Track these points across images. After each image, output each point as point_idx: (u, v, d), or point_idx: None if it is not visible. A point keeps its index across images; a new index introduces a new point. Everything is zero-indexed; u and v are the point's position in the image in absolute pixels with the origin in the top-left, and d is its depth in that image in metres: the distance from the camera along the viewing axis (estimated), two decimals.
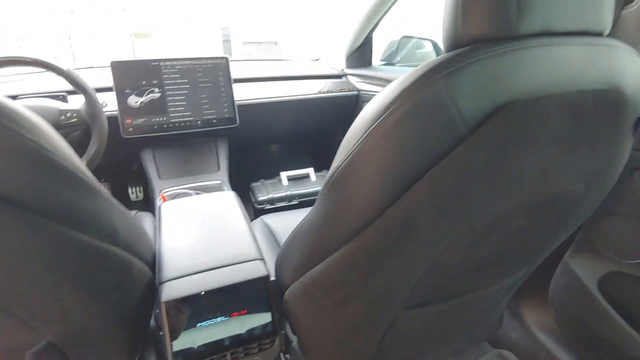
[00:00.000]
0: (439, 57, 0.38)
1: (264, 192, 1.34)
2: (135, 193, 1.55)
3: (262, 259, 0.71)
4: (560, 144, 0.41)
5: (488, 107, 0.37)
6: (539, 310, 0.93)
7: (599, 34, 0.44)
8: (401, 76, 0.39)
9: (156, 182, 1.21)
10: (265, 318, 0.65)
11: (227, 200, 0.90)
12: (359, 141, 0.40)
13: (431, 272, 0.49)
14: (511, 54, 0.37)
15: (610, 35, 0.63)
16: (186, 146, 1.31)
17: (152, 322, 0.77)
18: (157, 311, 0.64)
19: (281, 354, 0.84)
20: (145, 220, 1.10)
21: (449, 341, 0.79)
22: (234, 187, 1.48)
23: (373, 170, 0.40)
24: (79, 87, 0.94)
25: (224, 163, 1.32)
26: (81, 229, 0.46)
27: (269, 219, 1.12)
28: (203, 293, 0.62)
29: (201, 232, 0.77)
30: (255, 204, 1.32)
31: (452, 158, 0.37)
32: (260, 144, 1.75)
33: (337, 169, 0.43)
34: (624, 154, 0.49)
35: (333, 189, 0.45)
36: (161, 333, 0.63)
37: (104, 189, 0.53)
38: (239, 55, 7.74)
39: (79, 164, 0.46)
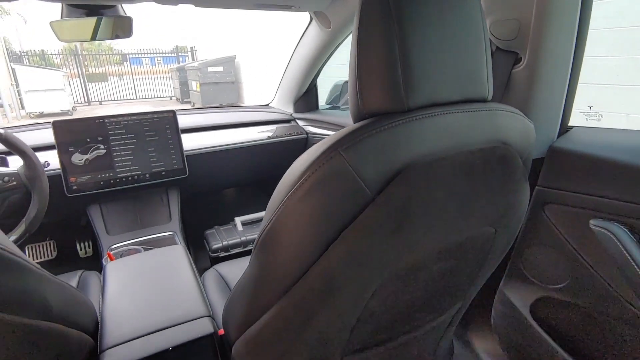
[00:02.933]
0: (341, 131, 0.43)
1: (218, 240, 1.34)
2: (83, 249, 1.50)
3: (209, 316, 0.71)
4: (458, 198, 0.46)
5: (388, 172, 0.42)
6: (486, 338, 0.97)
7: (482, 100, 0.51)
8: (312, 148, 0.44)
9: (104, 239, 1.18)
10: None
11: (175, 256, 0.90)
12: (278, 208, 0.43)
13: (363, 321, 0.52)
14: (403, 125, 0.43)
15: (505, 91, 0.73)
16: (136, 198, 1.29)
17: None
18: None
19: None
20: (92, 280, 1.06)
21: None
22: (188, 235, 1.47)
23: (292, 234, 0.43)
24: (17, 150, 0.92)
25: (175, 212, 1.31)
26: (7, 309, 0.45)
27: (223, 267, 1.12)
28: (145, 358, 0.61)
29: (146, 292, 0.76)
30: (210, 253, 1.31)
31: (361, 219, 0.42)
32: (213, 190, 1.76)
33: (263, 232, 0.46)
34: (523, 197, 0.56)
35: (261, 250, 0.48)
36: None
37: (31, 262, 0.52)
38: (195, 96, 7.75)
39: (2, 238, 0.46)
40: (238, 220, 1.43)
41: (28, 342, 0.50)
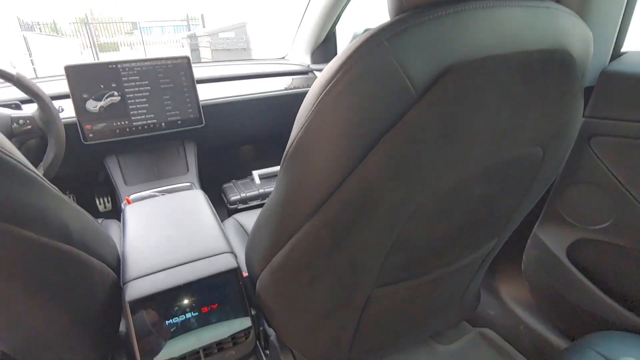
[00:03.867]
0: (382, 23, 0.38)
1: (236, 192, 1.31)
2: (103, 204, 1.50)
3: (231, 252, 0.69)
4: (511, 104, 0.41)
5: (435, 69, 0.37)
6: (515, 285, 0.94)
7: None
8: (347, 44, 0.39)
9: (122, 189, 1.17)
10: (237, 311, 0.63)
11: (195, 198, 0.88)
12: (311, 111, 0.39)
13: (397, 248, 0.49)
14: (453, 16, 0.37)
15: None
16: (152, 150, 1.27)
17: (123, 327, 0.73)
18: (124, 311, 0.61)
19: (261, 351, 0.82)
20: (112, 227, 1.06)
21: (427, 322, 0.79)
22: (205, 189, 1.45)
23: (327, 140, 0.39)
24: (30, 92, 0.90)
25: (192, 164, 1.29)
26: (27, 226, 0.43)
27: (241, 217, 1.10)
28: (169, 290, 0.59)
29: (167, 230, 0.74)
30: (228, 205, 1.30)
31: (404, 122, 0.37)
32: (229, 146, 1.72)
33: (293, 142, 0.42)
34: (577, 117, 0.50)
35: (291, 164, 0.44)
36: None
37: (51, 185, 0.50)
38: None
39: (21, 157, 0.44)
40: (255, 173, 1.40)
41: (50, 263, 0.48)
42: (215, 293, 0.62)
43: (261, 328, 0.77)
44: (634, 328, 0.70)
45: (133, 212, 0.81)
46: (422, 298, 0.67)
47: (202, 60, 7.89)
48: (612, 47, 0.68)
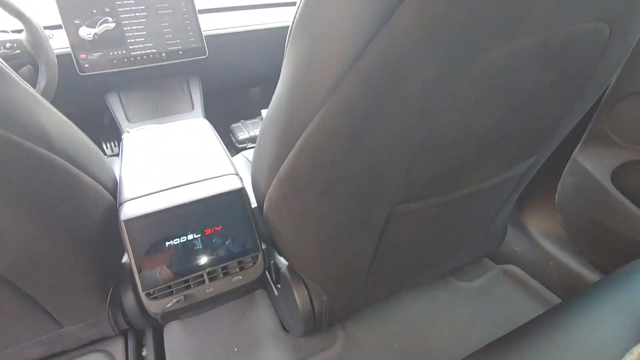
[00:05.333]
0: None
1: (244, 131, 1.25)
2: (110, 148, 1.46)
3: (237, 174, 0.63)
4: None
5: None
6: (545, 218, 0.87)
7: None
8: None
9: (125, 125, 1.11)
10: (243, 233, 0.58)
11: (199, 125, 0.81)
12: None
13: (425, 153, 0.41)
14: None
15: None
16: (155, 87, 1.20)
17: (126, 258, 0.70)
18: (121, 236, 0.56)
19: (272, 284, 0.78)
20: (116, 164, 1.01)
21: (448, 252, 0.73)
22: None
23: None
24: (13, 12, 0.82)
25: (198, 101, 1.22)
26: None
27: (250, 154, 1.04)
28: (168, 209, 0.54)
29: (168, 154, 0.68)
30: (237, 144, 1.23)
31: None
32: (236, 88, 1.63)
33: (300, 4, 0.34)
34: None
35: (297, 36, 0.36)
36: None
37: (28, 85, 0.44)
38: None
39: None
40: (264, 112, 1.32)
41: (25, 167, 0.42)
42: (219, 215, 0.57)
43: (272, 261, 0.73)
44: None
45: (132, 139, 0.75)
46: (447, 222, 0.60)
47: None
48: None
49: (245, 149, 1.22)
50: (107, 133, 1.45)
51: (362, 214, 0.48)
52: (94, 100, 1.19)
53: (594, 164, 0.71)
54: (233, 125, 1.31)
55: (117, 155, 1.45)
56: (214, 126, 1.19)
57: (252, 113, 1.38)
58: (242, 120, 1.33)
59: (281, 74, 0.41)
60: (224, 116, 1.42)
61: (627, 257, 0.67)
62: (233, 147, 1.28)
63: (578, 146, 0.74)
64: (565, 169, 0.77)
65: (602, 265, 0.78)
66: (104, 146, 1.45)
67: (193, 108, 1.19)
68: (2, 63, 0.40)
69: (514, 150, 0.53)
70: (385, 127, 0.37)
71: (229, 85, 1.53)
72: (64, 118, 0.53)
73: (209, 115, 1.30)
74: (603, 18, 0.38)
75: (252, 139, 1.23)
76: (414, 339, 0.76)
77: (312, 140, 0.39)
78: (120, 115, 1.12)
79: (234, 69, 1.36)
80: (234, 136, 1.26)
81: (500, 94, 0.39)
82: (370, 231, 0.52)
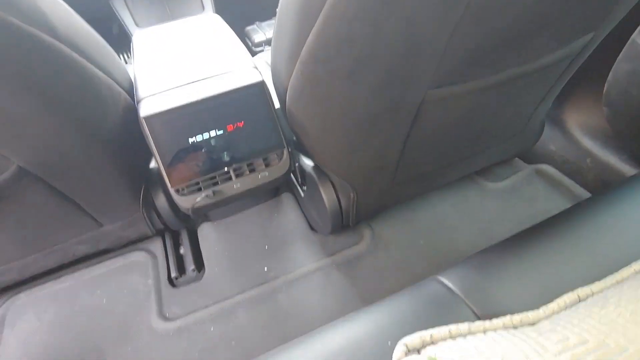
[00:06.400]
0: None
1: (260, 34, 1.16)
2: (123, 59, 1.41)
3: (255, 67, 0.58)
4: None
5: None
6: (587, 114, 0.80)
7: None
8: None
9: (133, 30, 1.05)
10: (267, 129, 0.56)
11: (212, 20, 0.75)
12: None
13: (469, 21, 0.35)
14: None
15: None
16: None
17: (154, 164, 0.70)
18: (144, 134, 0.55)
19: (299, 187, 0.78)
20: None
21: (482, 146, 0.70)
22: None
23: None
24: None
25: (208, 2, 1.12)
26: None
27: (268, 56, 0.97)
28: (187, 105, 0.52)
29: (184, 49, 0.64)
30: (253, 47, 1.16)
31: None
32: None
33: None
34: None
35: None
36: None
37: None
38: None
39: None
40: None
41: (36, 57, 0.39)
42: (241, 110, 0.54)
43: (297, 164, 0.72)
44: None
45: (143, 37, 0.70)
46: (484, 111, 0.55)
47: None
48: None
49: (262, 52, 1.15)
50: (118, 44, 1.39)
51: (392, 98, 0.44)
52: (100, 7, 1.11)
53: None
54: (248, 28, 1.22)
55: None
56: None
57: (267, 14, 1.27)
58: (257, 22, 1.24)
59: None
60: (237, 18, 1.32)
61: None
62: (249, 50, 1.20)
63: (639, 27, 0.65)
64: (621, 54, 0.68)
65: None
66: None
67: (203, 9, 1.10)
68: None
69: (570, 23, 0.46)
70: None
71: None
72: (70, 9, 0.49)
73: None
74: None
75: (269, 42, 1.15)
76: (440, 235, 0.76)
77: (337, 8, 0.34)
78: (128, 20, 1.05)
79: None
80: (249, 39, 1.18)
81: None
82: (400, 119, 0.48)
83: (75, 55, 0.45)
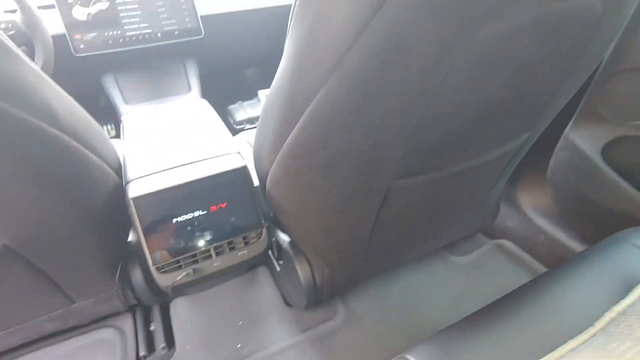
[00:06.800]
0: None
1: (242, 113, 1.25)
2: (107, 130, 1.45)
3: (238, 153, 0.64)
4: None
5: None
6: (537, 193, 0.90)
7: None
8: None
9: (122, 107, 1.11)
10: (247, 209, 0.60)
11: (200, 105, 0.82)
12: None
13: (423, 128, 0.43)
14: None
15: None
16: (151, 69, 1.19)
17: (133, 237, 0.72)
18: (129, 213, 0.58)
19: (274, 261, 0.81)
20: (115, 144, 1.02)
21: (445, 226, 0.76)
22: None
23: None
24: None
25: (195, 83, 1.21)
26: (6, 98, 0.38)
27: (249, 135, 1.05)
28: (175, 187, 0.56)
29: (171, 133, 0.69)
30: (235, 125, 1.24)
31: None
32: (234, 68, 1.62)
33: None
34: None
35: (301, 13, 0.37)
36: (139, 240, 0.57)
37: (33, 63, 0.44)
38: None
39: None
40: (262, 93, 1.32)
41: (37, 145, 0.43)
42: (224, 192, 0.59)
43: (273, 239, 0.75)
44: None
45: (133, 120, 0.76)
46: (443, 197, 0.62)
47: None
48: None
49: (243, 130, 1.23)
50: (104, 116, 1.44)
51: (362, 188, 0.50)
52: (90, 83, 1.18)
53: (585, 140, 0.74)
54: (230, 107, 1.31)
55: (116, 137, 1.45)
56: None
57: (249, 94, 1.38)
58: (239, 102, 1.33)
59: (284, 51, 0.42)
60: (221, 97, 1.42)
61: (615, 229, 0.71)
62: (231, 128, 1.28)
63: (570, 123, 0.77)
64: (558, 145, 0.79)
65: (591, 237, 0.81)
66: (102, 128, 1.45)
67: (190, 89, 1.19)
68: (10, 42, 0.41)
69: (509, 126, 0.55)
70: (387, 101, 0.38)
71: (226, 65, 1.52)
72: (69, 97, 0.54)
73: (205, 96, 1.29)
74: None
75: (250, 120, 1.23)
76: (411, 310, 0.79)
77: (316, 115, 0.41)
78: (117, 97, 1.11)
79: (230, 49, 1.36)
80: (231, 117, 1.26)
81: (496, 68, 0.41)
82: (370, 205, 0.54)
83: (73, 143, 0.49)
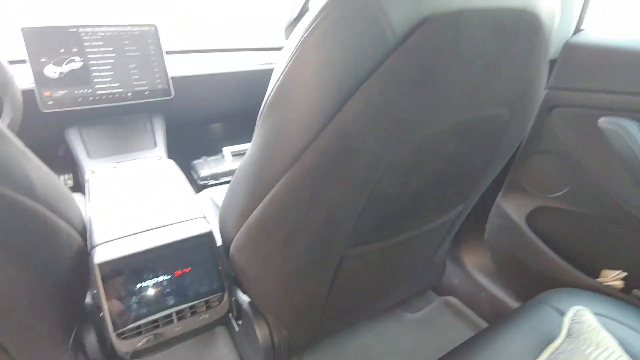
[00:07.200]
0: None
1: (206, 168, 1.29)
2: (63, 180, 1.42)
3: (204, 218, 0.68)
4: (484, 58, 0.43)
5: (415, 17, 0.38)
6: (478, 254, 0.99)
7: None
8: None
9: (86, 162, 1.11)
10: (210, 274, 0.63)
11: (165, 166, 0.85)
12: (292, 56, 0.39)
13: (372, 205, 0.50)
14: None
15: None
16: (117, 123, 1.21)
17: (89, 299, 0.71)
18: (92, 278, 0.59)
19: (233, 321, 0.82)
20: (76, 199, 1.01)
21: (395, 287, 0.82)
22: None
23: (307, 85, 0.39)
24: None
25: (161, 139, 1.25)
26: None
27: (213, 193, 1.09)
28: (140, 253, 0.58)
29: (137, 196, 0.72)
30: (198, 181, 1.27)
31: (383, 69, 0.38)
32: (199, 123, 1.68)
33: (272, 89, 0.42)
34: (541, 80, 0.53)
35: (270, 112, 0.44)
36: (100, 309, 0.58)
37: (14, 137, 0.47)
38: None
39: None
40: (227, 150, 1.37)
41: (12, 218, 0.46)
42: (188, 257, 0.62)
43: (233, 298, 0.77)
44: (584, 284, 0.76)
45: (98, 181, 0.78)
46: (392, 261, 0.69)
47: None
48: (576, 21, 0.72)
49: (206, 186, 1.27)
50: (62, 165, 1.42)
51: (318, 257, 0.56)
52: (53, 135, 1.18)
53: (512, 208, 0.85)
54: (195, 162, 1.35)
55: (71, 188, 1.42)
56: (176, 163, 1.22)
57: (214, 149, 1.43)
58: (204, 157, 1.38)
59: (253, 139, 0.49)
60: (186, 151, 1.46)
61: (542, 287, 0.80)
62: (194, 184, 1.31)
63: (500, 193, 0.88)
64: (491, 211, 0.90)
65: (523, 294, 0.90)
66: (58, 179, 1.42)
67: (155, 145, 1.22)
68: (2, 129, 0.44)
69: (445, 201, 0.64)
70: (338, 188, 0.45)
71: (192, 120, 1.57)
72: (43, 165, 0.56)
73: (171, 151, 1.33)
74: (504, 104, 0.50)
75: (214, 176, 1.27)
76: None
77: (277, 197, 0.47)
78: (80, 151, 1.12)
79: (197, 107, 1.42)
80: (196, 172, 1.29)
81: (428, 159, 0.50)
82: (326, 271, 0.59)
83: (47, 212, 0.51)
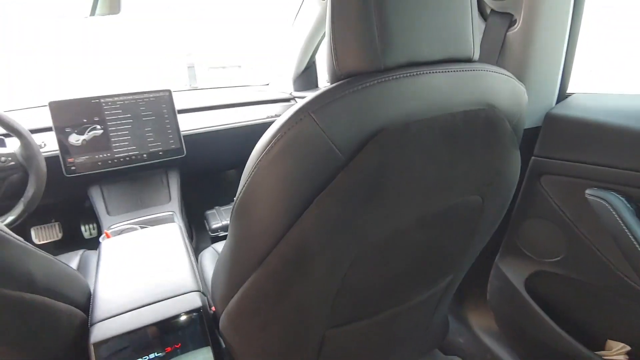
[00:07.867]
0: (313, 93, 0.41)
1: (217, 220, 1.34)
2: (88, 230, 1.52)
3: (198, 290, 0.71)
4: (436, 164, 0.44)
5: (361, 136, 0.40)
6: (482, 313, 0.96)
7: (467, 60, 0.48)
8: (284, 112, 0.43)
9: (105, 219, 1.19)
10: (201, 350, 0.65)
11: (170, 233, 0.90)
12: (251, 172, 0.42)
13: (344, 292, 0.51)
14: (377, 86, 0.41)
15: (500, 56, 0.69)
16: (135, 179, 1.30)
17: None
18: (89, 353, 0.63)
19: None
20: (92, 259, 1.08)
21: (393, 353, 0.81)
22: (189, 215, 1.48)
23: (264, 200, 0.42)
24: (12, 130, 0.93)
25: (175, 193, 1.32)
26: None
27: (220, 246, 1.13)
28: (133, 331, 0.62)
29: (139, 268, 0.77)
30: (210, 232, 1.32)
31: (334, 185, 0.40)
32: (213, 171, 1.76)
33: (238, 197, 0.46)
34: (513, 165, 0.53)
35: (236, 220, 0.47)
36: None
37: (14, 235, 0.53)
38: (204, 80, 7.73)
39: None
40: None
41: (11, 313, 0.50)
42: (179, 332, 0.65)
43: None
44: (584, 358, 0.72)
45: (107, 249, 0.84)
46: (380, 335, 0.69)
47: (197, 75, 7.95)
48: (557, 89, 0.72)
49: (217, 237, 1.31)
50: (88, 216, 1.52)
51: (297, 340, 0.57)
52: (78, 190, 1.28)
53: (511, 271, 0.83)
54: (208, 212, 1.41)
55: (96, 237, 1.52)
56: (189, 213, 1.28)
57: (227, 198, 1.48)
58: (216, 207, 1.44)
59: (229, 232, 0.52)
60: (201, 201, 1.53)
61: (545, 356, 0.77)
62: (206, 234, 1.36)
63: (498, 253, 0.86)
64: (491, 272, 0.88)
65: (528, 358, 0.87)
66: (83, 229, 1.52)
67: (170, 199, 1.29)
68: (2, 230, 0.50)
69: (428, 276, 0.64)
70: (303, 287, 0.47)
71: (206, 171, 1.65)
72: (45, 255, 0.61)
73: (186, 201, 1.40)
74: (472, 193, 0.51)
75: (225, 228, 1.32)
76: None
77: (249, 292, 0.50)
78: (100, 209, 1.21)
79: (209, 160, 1.49)
80: (208, 224, 1.35)
81: (397, 250, 0.51)
82: (309, 351, 0.60)
83: (44, 299, 0.56)
